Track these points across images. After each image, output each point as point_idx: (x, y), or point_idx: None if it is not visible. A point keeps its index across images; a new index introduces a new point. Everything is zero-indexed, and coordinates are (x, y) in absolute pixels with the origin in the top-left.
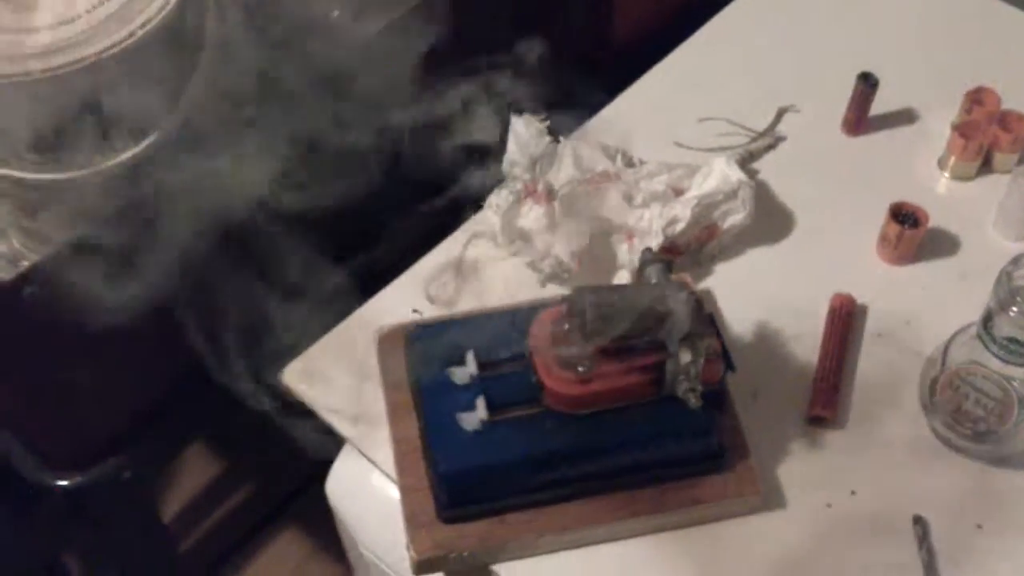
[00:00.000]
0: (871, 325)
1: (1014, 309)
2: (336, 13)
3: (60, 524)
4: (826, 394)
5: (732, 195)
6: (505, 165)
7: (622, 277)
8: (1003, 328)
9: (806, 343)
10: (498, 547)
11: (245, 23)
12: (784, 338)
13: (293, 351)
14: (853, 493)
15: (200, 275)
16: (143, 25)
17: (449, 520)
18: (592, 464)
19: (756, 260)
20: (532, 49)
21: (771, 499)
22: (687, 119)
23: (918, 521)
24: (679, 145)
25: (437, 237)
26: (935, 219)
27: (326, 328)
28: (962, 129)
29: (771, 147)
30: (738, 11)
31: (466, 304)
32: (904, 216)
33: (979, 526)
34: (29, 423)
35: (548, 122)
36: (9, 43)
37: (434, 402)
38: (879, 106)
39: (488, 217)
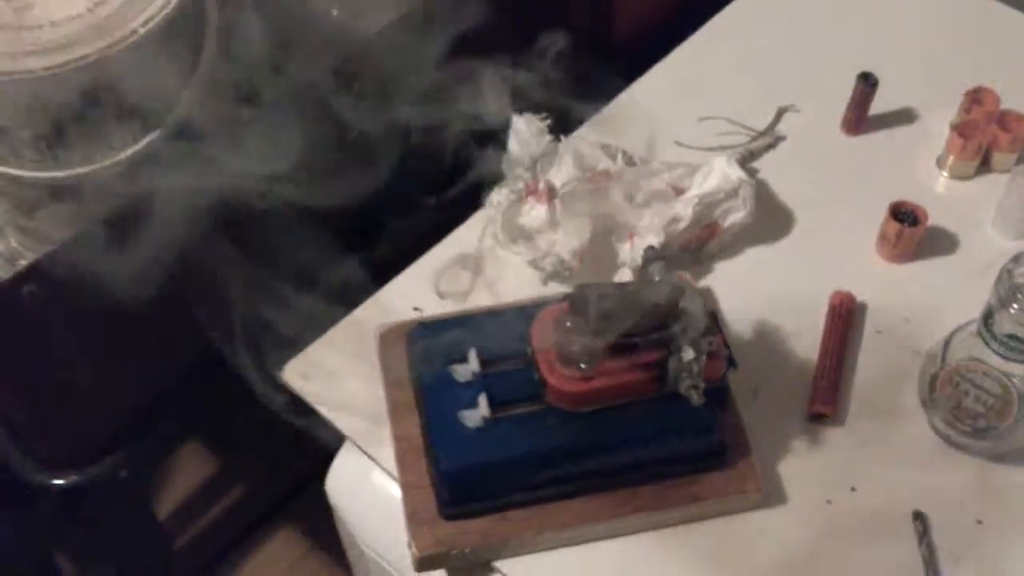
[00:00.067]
0: (871, 323)
1: (1015, 306)
2: (335, 12)
3: (55, 523)
4: (826, 391)
5: (733, 194)
6: (506, 164)
7: (623, 275)
8: (1004, 325)
9: (806, 341)
10: (500, 544)
11: (247, 19)
12: (784, 336)
13: (294, 348)
14: (853, 489)
15: (199, 274)
16: (145, 23)
17: (451, 517)
18: (594, 461)
19: (756, 258)
20: (532, 47)
21: (772, 496)
22: (687, 118)
23: (918, 517)
24: (679, 144)
25: (436, 236)
26: (934, 218)
27: (326, 325)
28: (961, 128)
29: (771, 146)
30: (738, 11)
31: (479, 299)
32: (904, 214)
33: (979, 522)
34: (25, 422)
35: (549, 121)
36: (9, 40)
37: (436, 399)
38: (878, 106)
39: (489, 215)
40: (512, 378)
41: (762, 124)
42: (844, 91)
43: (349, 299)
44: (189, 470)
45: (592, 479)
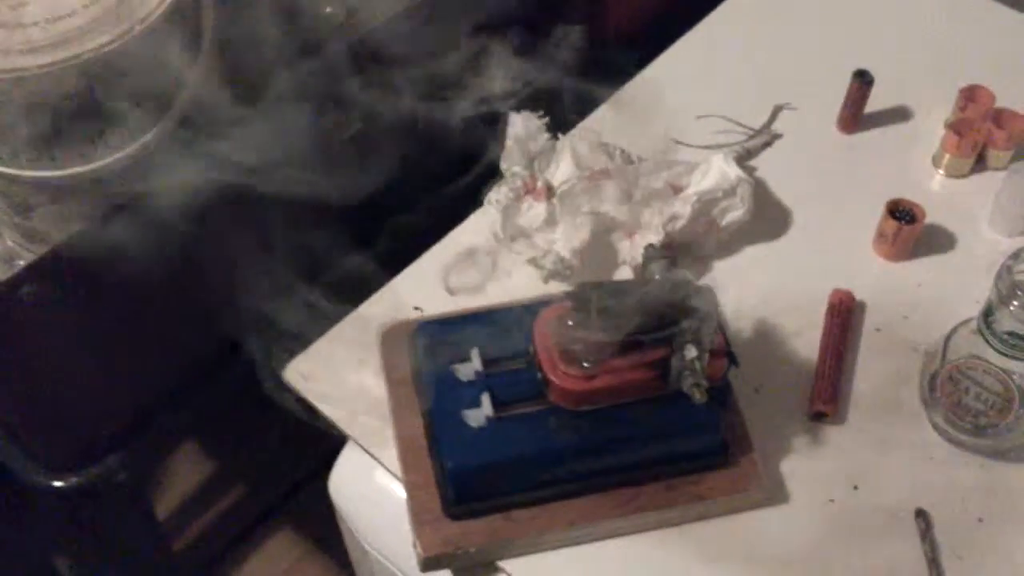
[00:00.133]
0: (870, 321)
1: (1015, 303)
2: (328, 10)
3: (55, 525)
4: (827, 390)
5: (731, 192)
6: (503, 162)
7: (624, 273)
8: (1004, 322)
9: (806, 339)
10: (504, 543)
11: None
12: (784, 334)
13: (295, 348)
14: (855, 488)
15: (199, 272)
16: (142, 20)
17: (456, 517)
18: (596, 460)
19: (754, 256)
20: (529, 44)
21: (774, 495)
22: (684, 116)
23: (920, 515)
24: (677, 142)
25: (435, 236)
26: (931, 216)
27: (327, 324)
28: (956, 126)
29: (767, 144)
30: (734, 8)
31: (481, 298)
32: (901, 212)
33: (980, 519)
34: (24, 424)
35: (546, 119)
36: (3, 38)
37: (439, 399)
38: (873, 103)
39: (488, 214)
40: (515, 377)
41: (758, 122)
42: (839, 89)
43: (349, 298)
44: (189, 470)
45: (595, 478)
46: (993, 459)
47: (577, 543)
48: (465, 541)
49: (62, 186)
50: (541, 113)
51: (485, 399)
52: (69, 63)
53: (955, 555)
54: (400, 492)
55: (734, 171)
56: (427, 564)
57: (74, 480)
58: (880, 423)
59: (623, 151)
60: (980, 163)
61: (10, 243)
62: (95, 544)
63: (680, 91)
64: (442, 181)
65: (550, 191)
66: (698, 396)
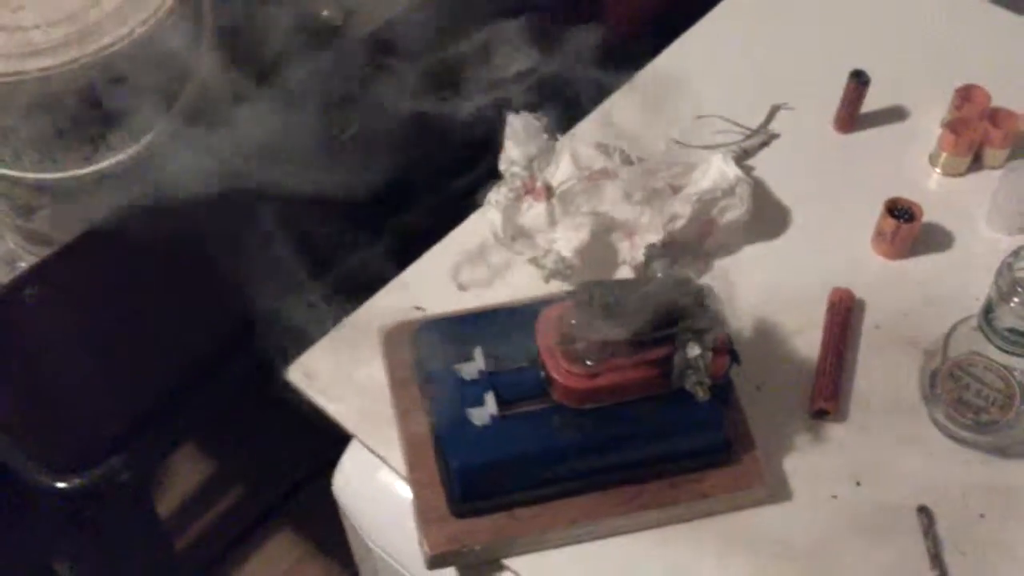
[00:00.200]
0: (870, 318)
1: (1015, 300)
2: (326, 13)
3: (57, 526)
4: (828, 388)
5: (730, 192)
6: (503, 163)
7: (624, 273)
8: (1004, 319)
9: (806, 337)
10: (509, 541)
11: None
12: (785, 332)
13: (298, 347)
14: (858, 484)
15: (199, 272)
16: (143, 23)
17: (461, 515)
18: (600, 458)
19: (753, 256)
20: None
21: (777, 492)
22: (682, 116)
23: (922, 511)
24: (676, 142)
25: (434, 236)
26: (928, 214)
27: (329, 323)
28: (953, 125)
29: (765, 144)
30: (730, 9)
31: (483, 298)
32: (899, 211)
33: (982, 515)
34: (26, 425)
35: (545, 120)
36: (5, 42)
37: (443, 398)
38: (869, 103)
39: (488, 214)
40: (518, 376)
41: (755, 122)
42: (836, 89)
43: (351, 297)
44: (189, 470)
45: (598, 476)
46: (994, 455)
47: (581, 541)
48: (470, 539)
49: (64, 188)
50: (539, 114)
51: (489, 398)
52: (72, 66)
53: (957, 551)
54: (404, 490)
55: (733, 171)
56: (433, 562)
57: (76, 481)
58: (881, 420)
59: (622, 151)
60: (977, 162)
61: (11, 245)
62: (97, 545)
63: (678, 91)
64: (443, 181)
65: (550, 191)
66: (701, 394)
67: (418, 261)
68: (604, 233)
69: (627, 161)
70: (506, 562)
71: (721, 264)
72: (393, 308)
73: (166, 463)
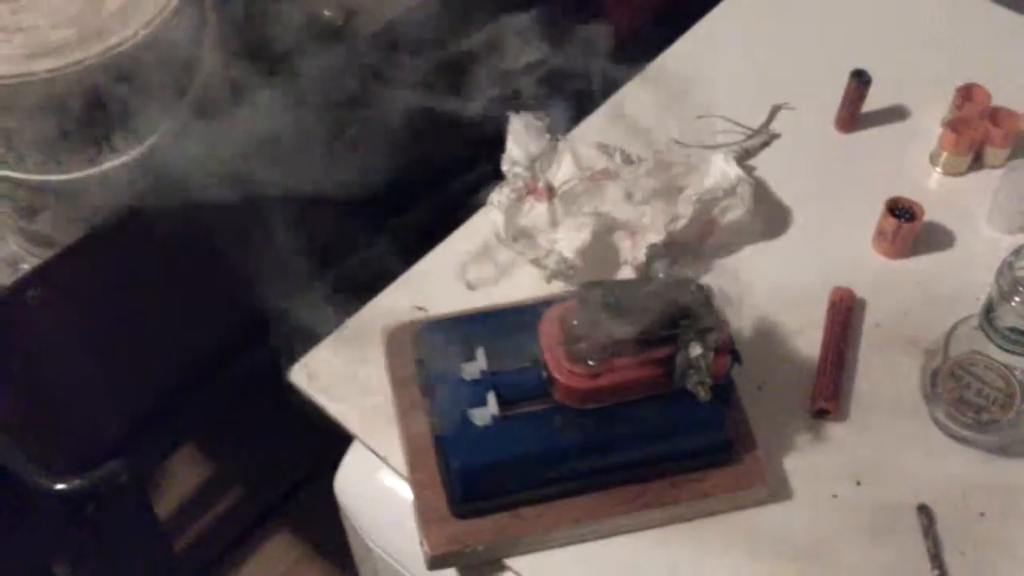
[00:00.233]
0: (870, 318)
1: (1016, 299)
2: (328, 13)
3: (57, 527)
4: (829, 387)
5: (731, 191)
6: (505, 164)
7: (626, 273)
8: (1005, 318)
9: (807, 337)
10: (511, 541)
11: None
12: (786, 332)
13: (299, 348)
14: (858, 484)
15: (199, 272)
16: (146, 24)
17: (462, 515)
18: (602, 458)
19: (755, 255)
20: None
21: (778, 491)
22: (683, 116)
23: (923, 510)
24: (677, 142)
25: (435, 236)
26: (929, 213)
27: (330, 323)
28: (953, 125)
29: (766, 144)
30: (731, 8)
31: (483, 298)
32: (900, 211)
33: (982, 514)
34: (27, 426)
35: (547, 120)
36: (9, 44)
37: (445, 398)
38: (870, 103)
39: (490, 215)
40: (520, 376)
41: (756, 122)
42: (837, 89)
43: (352, 297)
44: (188, 472)
45: (600, 476)
46: (995, 454)
47: (583, 540)
48: (472, 539)
49: (68, 189)
50: (541, 114)
51: (491, 398)
52: (76, 67)
53: (957, 550)
54: (406, 491)
55: (734, 171)
56: (434, 563)
57: (76, 482)
58: (882, 419)
59: (623, 151)
60: (977, 161)
61: (14, 247)
62: (96, 547)
63: (679, 91)
64: (444, 181)
65: (551, 191)
66: (702, 394)
67: (420, 261)
68: (606, 233)
69: (628, 161)
70: (507, 562)
71: (722, 264)
72: (395, 308)
73: (165, 464)
